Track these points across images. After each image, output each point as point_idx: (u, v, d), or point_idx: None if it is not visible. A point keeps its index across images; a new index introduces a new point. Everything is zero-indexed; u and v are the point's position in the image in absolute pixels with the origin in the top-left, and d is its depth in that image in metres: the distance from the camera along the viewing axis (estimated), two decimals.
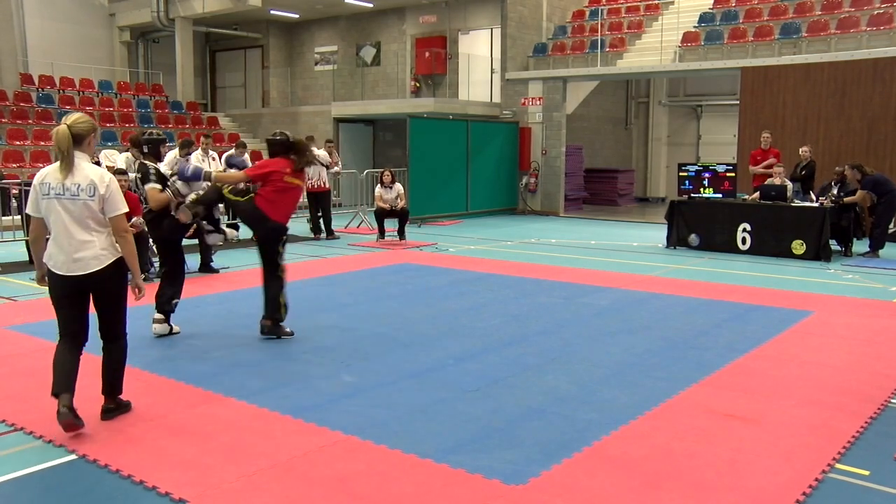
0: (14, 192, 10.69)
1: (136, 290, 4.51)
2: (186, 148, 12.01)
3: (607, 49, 19.18)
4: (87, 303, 4.49)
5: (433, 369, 5.71)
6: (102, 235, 4.35)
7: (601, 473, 3.91)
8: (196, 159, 12.33)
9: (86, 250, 4.30)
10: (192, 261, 10.07)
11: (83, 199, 4.27)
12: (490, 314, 7.63)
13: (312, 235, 13.79)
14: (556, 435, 4.41)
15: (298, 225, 14.60)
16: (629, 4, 21.10)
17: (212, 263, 10.03)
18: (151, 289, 8.80)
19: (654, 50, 18.36)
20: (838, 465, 4.02)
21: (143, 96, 22.40)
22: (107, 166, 11.30)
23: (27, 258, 10.49)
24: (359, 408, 4.85)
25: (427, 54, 22.11)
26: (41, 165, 16.82)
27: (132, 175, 10.98)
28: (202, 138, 12.90)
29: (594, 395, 5.13)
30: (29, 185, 10.69)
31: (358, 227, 15.58)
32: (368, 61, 23.78)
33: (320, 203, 13.84)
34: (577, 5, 22.04)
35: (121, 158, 11.69)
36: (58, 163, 4.29)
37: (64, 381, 4.36)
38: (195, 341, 6.51)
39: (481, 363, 5.88)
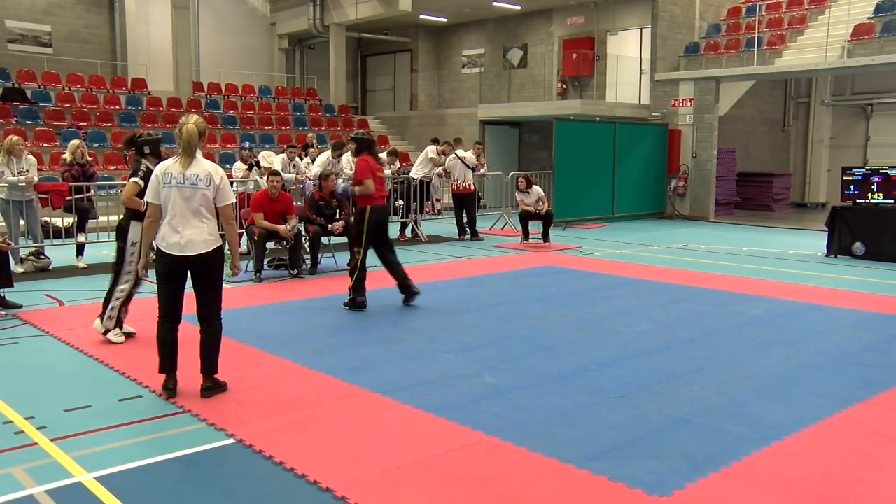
0: None
1: (234, 268, 5.15)
2: (339, 149, 12.54)
3: (765, 47, 18.23)
4: (184, 285, 5.01)
5: (576, 373, 5.65)
6: (211, 222, 4.90)
7: (752, 491, 3.72)
8: (347, 161, 12.85)
9: (196, 234, 4.84)
10: (342, 258, 10.48)
11: (201, 189, 4.83)
12: (635, 320, 7.45)
13: (457, 236, 13.97)
14: (702, 447, 4.25)
15: (443, 226, 14.87)
16: None
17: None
18: (306, 283, 9.21)
19: (818, 46, 17.24)
20: None
21: (299, 100, 23.51)
22: (265, 167, 11.97)
23: None
24: (500, 409, 4.87)
25: (574, 56, 21.87)
26: None
27: (288, 176, 11.59)
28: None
29: (744, 409, 4.90)
30: None
31: (502, 228, 15.64)
32: (515, 63, 23.83)
33: (465, 204, 14.00)
34: (732, 2, 21.10)
35: (277, 160, 12.34)
36: (177, 157, 4.87)
37: (169, 361, 5.01)
38: (343, 337, 6.75)
39: (625, 369, 5.75)
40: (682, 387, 5.36)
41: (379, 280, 9.65)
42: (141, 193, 5.82)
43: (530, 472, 3.92)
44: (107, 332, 6.36)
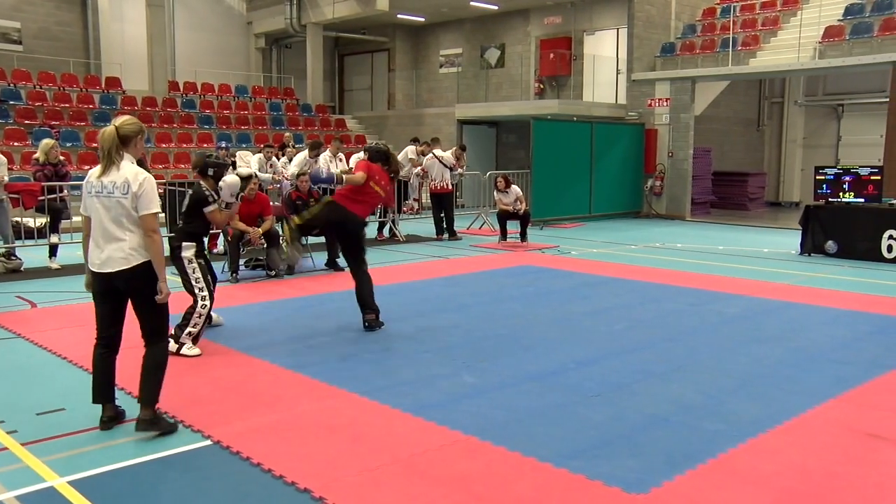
0: (159, 191, 11.35)
1: (159, 292, 4.34)
2: (316, 149, 12.50)
3: (739, 47, 18.41)
4: (122, 305, 4.46)
5: (554, 373, 5.66)
6: (135, 235, 4.31)
7: (728, 487, 3.75)
8: (325, 161, 12.81)
9: (116, 249, 4.29)
10: (319, 258, 10.44)
11: (117, 197, 4.28)
12: (613, 319, 7.48)
13: (435, 236, 13.97)
14: (680, 445, 4.27)
15: (421, 225, 14.86)
16: (764, 0, 20.18)
17: (338, 261, 10.32)
18: (283, 284, 9.15)
19: (791, 47, 17.45)
20: None
21: (276, 100, 23.38)
22: (241, 167, 11.88)
23: (170, 254, 11.17)
24: (479, 408, 4.86)
25: (551, 56, 21.95)
26: (183, 167, 17.94)
27: (265, 176, 11.52)
28: (333, 141, 13.33)
29: (721, 406, 4.93)
30: (172, 185, 11.41)
31: (480, 228, 15.65)
32: (493, 63, 23.86)
33: (443, 204, 14.00)
34: (707, 3, 21.28)
35: (254, 160, 12.26)
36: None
37: (101, 390, 4.47)
38: (321, 337, 6.72)
39: (604, 368, 5.77)
40: (660, 385, 5.39)
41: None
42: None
43: (509, 471, 3.92)
44: (181, 347, 6.06)
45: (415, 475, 3.88)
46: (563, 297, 8.59)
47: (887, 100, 15.60)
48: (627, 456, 4.12)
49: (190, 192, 6.49)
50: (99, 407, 4.51)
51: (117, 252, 4.28)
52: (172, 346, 5.93)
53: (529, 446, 4.21)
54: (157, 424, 4.41)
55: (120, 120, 4.44)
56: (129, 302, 4.45)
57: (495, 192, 13.50)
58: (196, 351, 6.12)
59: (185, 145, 19.17)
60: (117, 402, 4.60)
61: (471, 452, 4.16)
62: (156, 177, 13.90)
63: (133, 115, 18.86)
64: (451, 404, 4.93)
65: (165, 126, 19.73)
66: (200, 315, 6.12)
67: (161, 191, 11.10)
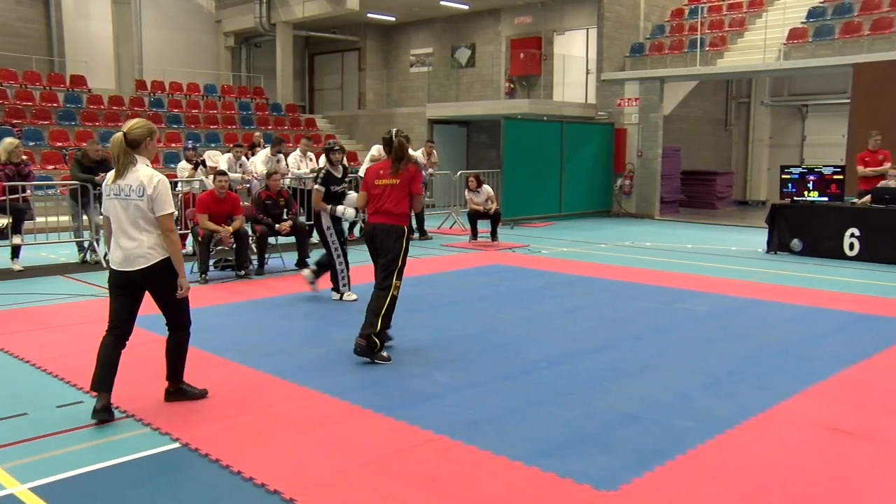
0: None
1: (179, 287, 4.65)
2: (277, 145, 12.49)
3: (707, 48, 18.64)
4: (138, 300, 4.74)
5: (526, 371, 5.68)
6: (152, 235, 4.56)
7: (696, 483, 3.79)
8: (294, 160, 12.74)
9: (135, 248, 4.54)
10: (290, 258, 10.37)
11: (133, 200, 4.51)
12: (584, 317, 7.53)
13: None
14: (649, 442, 4.31)
15: None
16: (731, 2, 20.45)
17: (308, 260, 10.26)
18: (253, 284, 9.10)
19: (758, 48, 17.71)
20: None
21: (245, 99, 23.19)
22: (210, 167, 11.78)
23: None
24: (450, 408, 4.87)
25: (522, 55, 22.02)
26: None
27: (234, 175, 11.43)
28: (302, 140, 13.27)
29: (690, 403, 4.99)
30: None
31: (451, 227, 15.66)
32: (463, 63, 23.89)
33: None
34: (675, 4, 21.51)
35: (223, 159, 12.16)
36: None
37: (100, 379, 4.60)
38: (292, 338, 6.68)
39: (575, 367, 5.81)
40: (630, 383, 5.43)
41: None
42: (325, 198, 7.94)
43: (480, 470, 3.93)
44: (342, 295, 8.10)
45: (386, 475, 3.88)
46: (534, 296, 8.63)
47: (849, 101, 15.88)
48: (598, 454, 4.15)
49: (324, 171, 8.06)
50: (64, 411, 4.44)
51: (136, 250, 4.55)
52: (335, 295, 8.23)
53: (500, 445, 4.22)
54: (184, 394, 4.92)
55: (128, 125, 4.62)
56: (152, 296, 4.74)
57: (466, 192, 13.52)
58: (353, 296, 8.05)
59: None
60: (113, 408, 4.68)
61: (442, 452, 4.17)
62: None
63: (99, 114, 18.55)
64: (423, 404, 4.93)
65: None
66: (342, 267, 8.16)
67: None
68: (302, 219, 10.69)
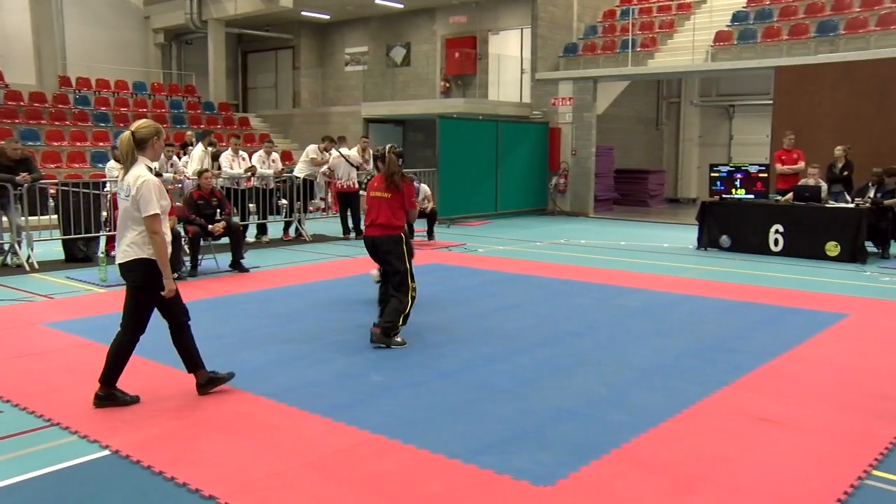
0: (52, 192, 10.87)
1: (165, 287, 4.74)
2: (206, 137, 12.46)
3: (638, 49, 19.02)
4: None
5: (463, 370, 5.70)
6: (134, 233, 4.70)
7: (631, 476, 3.87)
8: (226, 159, 12.53)
9: (121, 244, 4.76)
10: (223, 259, 10.19)
11: (123, 198, 4.73)
12: (521, 315, 7.60)
13: (343, 235, 13.85)
14: (585, 437, 4.38)
15: (328, 225, 14.71)
16: (660, 4, 20.92)
17: (242, 261, 10.10)
18: (186, 286, 8.89)
19: (686, 49, 18.17)
20: (875, 472, 3.94)
21: (176, 97, 22.68)
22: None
23: (63, 257, 10.68)
24: (388, 407, 4.85)
25: (457, 55, 22.09)
26: (77, 166, 17.18)
27: (165, 175, 11.16)
28: (232, 139, 13.08)
29: (625, 398, 5.09)
30: (66, 185, 10.90)
31: None
32: (399, 62, 23.84)
33: (349, 203, 13.90)
34: (607, 5, 21.89)
35: None
36: None
37: (106, 372, 4.81)
38: (226, 340, 6.56)
39: (511, 364, 5.86)
40: (566, 379, 5.51)
41: (265, 281, 9.44)
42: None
43: (418, 469, 3.93)
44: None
45: (324, 477, 3.84)
46: (471, 294, 8.67)
47: (772, 102, 16.44)
48: (535, 449, 4.19)
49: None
50: None
51: (121, 246, 4.76)
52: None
53: (438, 443, 4.22)
54: (114, 399, 4.83)
55: (136, 124, 4.78)
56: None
57: None
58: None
59: (79, 144, 18.36)
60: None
61: (380, 452, 4.15)
62: (47, 176, 13.33)
63: (18, 110, 17.87)
64: (360, 404, 4.91)
65: (57, 123, 18.85)
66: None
67: (53, 191, 10.73)
68: (236, 219, 10.52)
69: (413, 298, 6.47)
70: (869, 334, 6.87)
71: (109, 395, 4.82)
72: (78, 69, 21.67)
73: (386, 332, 6.31)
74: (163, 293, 4.75)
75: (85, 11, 22.72)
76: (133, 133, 4.71)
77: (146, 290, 4.77)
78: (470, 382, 5.39)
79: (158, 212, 4.65)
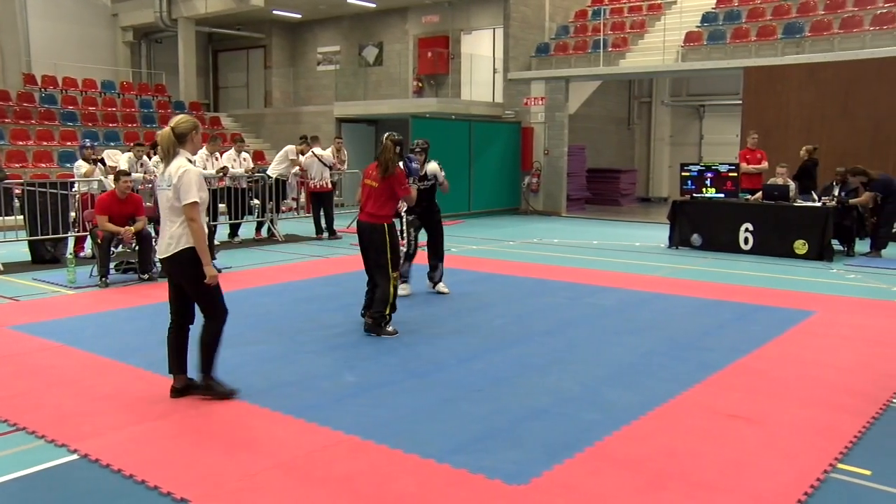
0: (17, 191, 10.69)
1: (207, 275, 4.83)
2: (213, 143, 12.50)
3: (610, 49, 19.16)
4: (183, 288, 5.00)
5: (436, 369, 5.71)
6: (174, 225, 4.83)
7: (603, 473, 3.90)
8: (201, 159, 12.41)
9: (165, 237, 4.89)
10: None
11: (165, 190, 4.85)
12: (493, 314, 7.62)
13: (315, 235, 13.80)
14: (558, 435, 4.41)
15: (301, 225, 14.64)
16: (631, 4, 21.08)
17: (214, 262, 10.00)
18: (158, 287, 8.82)
19: (657, 50, 18.34)
20: (840, 465, 4.01)
21: (146, 96, 22.44)
22: (110, 166, 11.34)
23: (30, 258, 10.52)
24: (361, 408, 4.85)
25: (430, 54, 22.10)
26: (44, 165, 16.92)
27: (136, 175, 11.03)
28: (210, 140, 12.92)
29: (597, 396, 5.13)
30: (32, 185, 10.73)
31: None
32: (371, 61, 23.78)
33: (322, 203, 13.85)
34: (579, 5, 22.02)
35: (123, 159, 11.72)
36: None
37: (171, 362, 5.02)
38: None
39: (485, 363, 5.87)
40: (539, 377, 5.53)
41: (236, 282, 9.37)
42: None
43: (392, 469, 3.93)
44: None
45: (297, 478, 3.83)
46: (442, 294, 8.68)
47: (740, 102, 16.66)
48: (508, 448, 4.21)
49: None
50: None
51: (164, 239, 4.88)
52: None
53: (412, 443, 4.22)
54: (210, 390, 4.95)
55: (175, 120, 4.93)
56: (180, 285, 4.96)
57: None
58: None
59: (45, 143, 18.10)
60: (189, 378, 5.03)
61: (353, 452, 4.14)
62: (12, 176, 13.11)
63: None
64: (333, 405, 4.89)
65: (22, 122, 18.55)
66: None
67: (19, 191, 10.56)
68: (206, 218, 10.41)
69: (396, 287, 6.78)
70: (835, 331, 6.99)
71: (208, 385, 4.97)
72: (44, 67, 21.32)
73: (377, 323, 6.66)
74: (206, 281, 4.83)
75: (49, 7, 22.32)
76: (173, 129, 4.85)
77: (198, 277, 4.85)
78: (443, 382, 5.40)
79: (197, 200, 4.77)
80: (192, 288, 4.89)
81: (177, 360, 5.01)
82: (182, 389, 4.98)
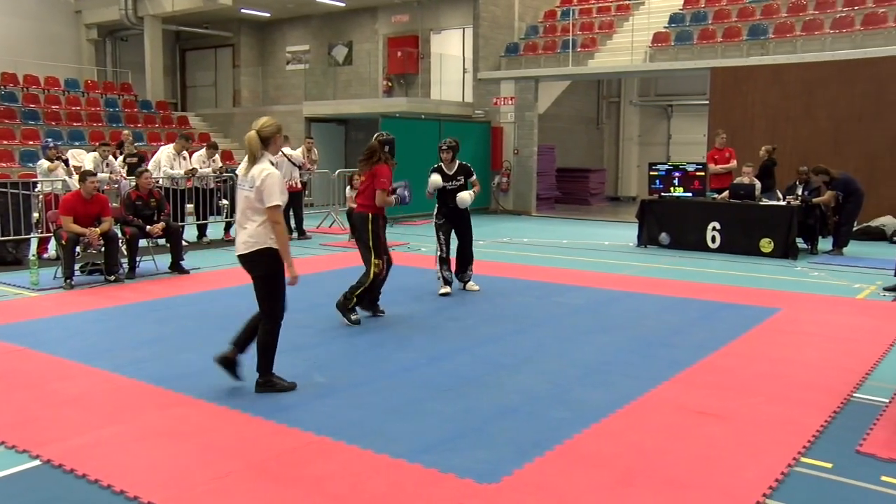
0: None
1: (289, 275, 5.04)
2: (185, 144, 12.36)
3: (579, 49, 19.29)
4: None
5: (406, 369, 5.70)
6: (255, 224, 4.99)
7: (573, 471, 3.93)
8: (168, 158, 12.27)
9: (243, 235, 5.06)
10: (162, 261, 9.99)
11: (245, 191, 5.03)
12: (463, 314, 7.64)
13: None
14: (528, 434, 4.43)
15: None
16: (600, 5, 21.24)
17: (182, 263, 9.92)
18: (124, 289, 8.70)
19: (625, 50, 18.50)
20: (803, 459, 4.09)
21: (112, 95, 22.11)
22: (74, 166, 11.17)
23: None
24: (331, 408, 4.83)
25: (399, 54, 22.06)
26: (4, 165, 16.60)
27: (101, 175, 10.87)
28: (179, 139, 12.76)
29: (567, 394, 5.16)
30: (3, 185, 10.50)
31: (330, 227, 15.51)
32: (340, 61, 23.67)
33: (292, 203, 13.73)
34: (548, 5, 22.13)
35: (88, 158, 11.55)
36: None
37: (238, 337, 5.22)
38: (166, 343, 6.44)
39: (455, 363, 5.88)
40: (509, 376, 5.56)
41: (206, 282, 9.29)
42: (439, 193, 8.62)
43: (363, 470, 3.92)
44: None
45: (268, 479, 3.80)
46: (413, 294, 8.68)
47: (708, 102, 16.87)
48: (479, 447, 4.22)
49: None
50: None
51: (242, 237, 5.06)
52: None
53: (382, 443, 4.22)
54: (273, 386, 5.13)
55: (259, 123, 5.09)
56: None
57: (348, 189, 13.42)
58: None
59: (6, 142, 17.75)
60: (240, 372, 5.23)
61: (324, 453, 4.13)
62: None
63: None
64: (303, 405, 4.87)
65: None
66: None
67: None
68: (177, 220, 10.32)
69: (376, 276, 7.18)
70: (798, 328, 7.11)
71: (268, 382, 5.12)
72: (3, 64, 20.87)
73: (345, 305, 7.04)
74: (288, 281, 5.03)
75: (7, 3, 21.81)
76: (258, 132, 5.01)
77: (276, 278, 5.05)
78: (413, 382, 5.40)
79: (280, 203, 4.94)
80: (260, 285, 5.09)
81: (242, 336, 5.21)
82: (224, 359, 5.18)
